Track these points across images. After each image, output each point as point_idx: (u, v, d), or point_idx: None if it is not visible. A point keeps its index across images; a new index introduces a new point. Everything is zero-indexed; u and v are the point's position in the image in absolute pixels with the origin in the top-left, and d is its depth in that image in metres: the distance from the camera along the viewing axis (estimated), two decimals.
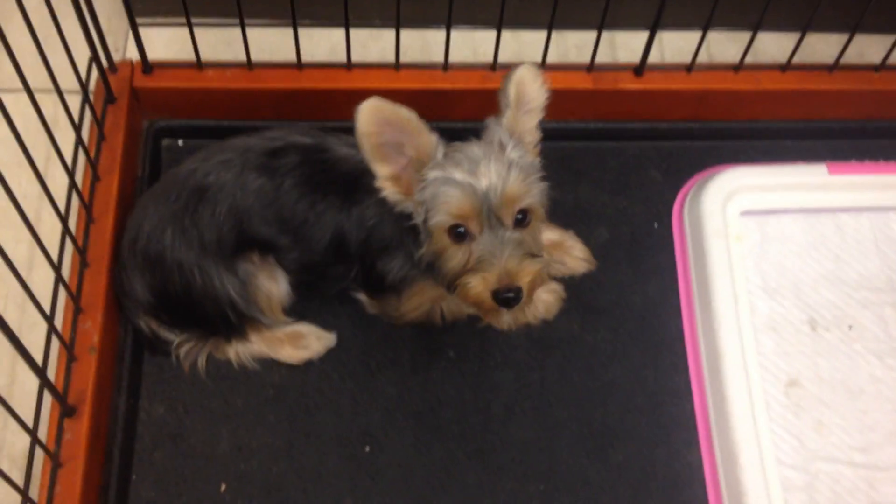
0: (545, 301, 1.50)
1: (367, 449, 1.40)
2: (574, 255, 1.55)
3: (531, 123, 1.21)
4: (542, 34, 1.54)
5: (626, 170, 1.68)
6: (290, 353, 1.43)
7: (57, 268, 1.30)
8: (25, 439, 1.20)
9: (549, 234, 1.54)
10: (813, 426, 1.44)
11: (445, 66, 1.60)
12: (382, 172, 1.17)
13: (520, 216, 1.16)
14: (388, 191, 1.19)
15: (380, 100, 1.11)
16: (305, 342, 1.44)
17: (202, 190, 1.33)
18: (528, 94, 1.18)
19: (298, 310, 1.47)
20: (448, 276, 1.20)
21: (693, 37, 1.60)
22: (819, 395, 1.47)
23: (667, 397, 1.47)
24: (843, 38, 1.60)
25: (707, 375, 1.46)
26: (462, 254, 1.17)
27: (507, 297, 1.13)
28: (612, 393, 1.46)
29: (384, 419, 1.42)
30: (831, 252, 1.59)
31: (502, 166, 1.13)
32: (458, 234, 1.16)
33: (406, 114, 1.13)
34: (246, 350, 1.42)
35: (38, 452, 1.22)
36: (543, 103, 1.19)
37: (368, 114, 1.11)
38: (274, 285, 1.39)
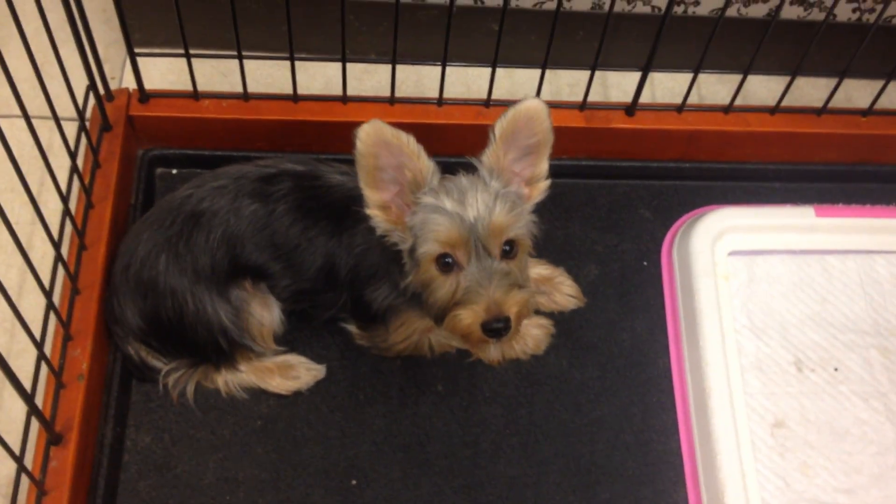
0: (534, 336, 1.51)
1: (354, 482, 1.39)
2: (564, 292, 1.56)
3: (540, 162, 1.22)
4: (536, 72, 1.56)
5: (616, 208, 1.70)
6: (280, 384, 1.43)
7: (48, 294, 1.29)
8: (11, 466, 1.19)
9: (540, 270, 1.55)
10: (798, 467, 1.44)
11: (440, 101, 1.61)
12: (373, 199, 1.19)
13: (507, 247, 1.17)
14: (377, 219, 1.20)
15: (380, 122, 1.13)
16: (295, 373, 1.44)
17: (197, 216, 1.33)
18: (534, 128, 1.18)
19: (289, 340, 1.47)
20: (435, 308, 1.21)
21: (684, 78, 1.63)
22: (805, 437, 1.47)
23: (654, 435, 1.47)
24: (832, 82, 1.63)
25: (694, 414, 1.46)
26: (449, 285, 1.18)
27: (496, 327, 1.14)
28: (599, 430, 1.46)
29: (372, 452, 1.42)
30: (818, 294, 1.61)
31: (489, 197, 1.15)
32: (446, 263, 1.17)
33: (405, 137, 1.15)
34: (235, 379, 1.42)
35: (24, 480, 1.21)
36: (551, 139, 1.20)
37: (369, 135, 1.13)
38: (267, 313, 1.39)
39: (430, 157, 1.18)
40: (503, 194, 1.17)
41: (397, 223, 1.20)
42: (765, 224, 1.62)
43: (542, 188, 1.24)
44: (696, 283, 1.52)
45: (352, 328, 1.48)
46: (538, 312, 1.54)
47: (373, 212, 1.20)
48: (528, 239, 1.21)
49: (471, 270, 1.16)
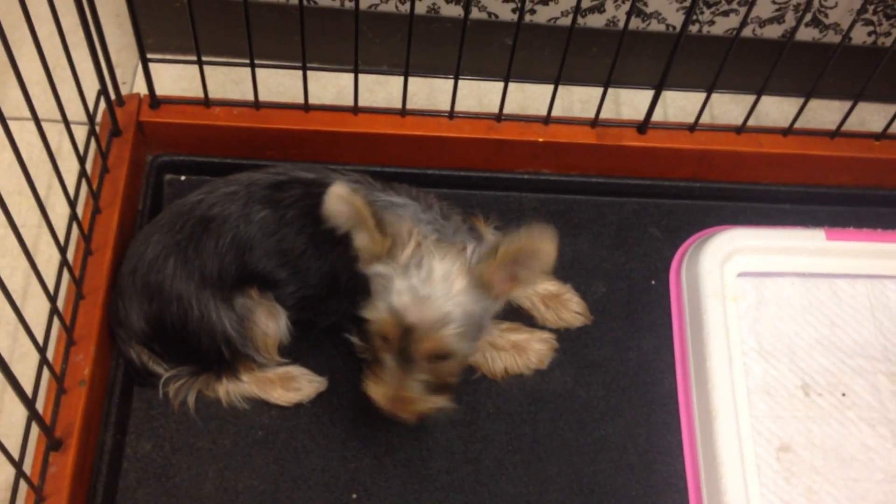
0: (537, 351, 1.50)
1: (355, 496, 1.38)
2: (570, 309, 1.55)
3: (532, 277, 1.15)
4: (549, 88, 1.56)
5: (625, 225, 1.69)
6: (281, 395, 1.42)
7: (52, 298, 1.29)
8: (10, 471, 1.18)
9: (547, 286, 1.54)
10: (804, 493, 1.43)
11: (451, 114, 1.61)
12: (357, 242, 1.18)
13: (439, 356, 1.17)
14: (363, 259, 1.19)
15: (343, 189, 1.10)
16: (297, 384, 1.43)
17: (207, 221, 1.33)
18: (535, 264, 1.11)
19: (292, 351, 1.46)
20: (370, 351, 1.24)
21: (697, 97, 1.62)
22: (811, 462, 1.46)
23: (658, 456, 1.46)
24: (846, 105, 1.62)
25: (699, 436, 1.45)
26: (379, 348, 1.20)
27: (393, 415, 1.21)
28: (603, 450, 1.45)
29: (373, 466, 1.40)
30: (826, 318, 1.59)
31: (442, 309, 1.11)
32: (382, 337, 1.18)
33: (364, 212, 1.11)
34: (237, 389, 1.41)
35: (23, 485, 1.21)
36: (549, 269, 1.12)
37: (332, 201, 1.11)
38: (272, 323, 1.39)
39: (389, 232, 1.14)
40: (466, 311, 1.13)
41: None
42: (775, 246, 1.60)
43: (523, 289, 1.23)
44: (704, 303, 1.51)
45: (355, 339, 1.47)
46: (543, 328, 1.53)
47: (359, 252, 1.19)
48: (468, 356, 1.22)
49: (392, 360, 1.18)
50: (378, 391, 1.21)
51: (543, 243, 1.08)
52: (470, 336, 1.16)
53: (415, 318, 1.12)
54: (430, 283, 1.12)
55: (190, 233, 1.33)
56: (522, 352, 1.49)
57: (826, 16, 1.70)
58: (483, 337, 1.22)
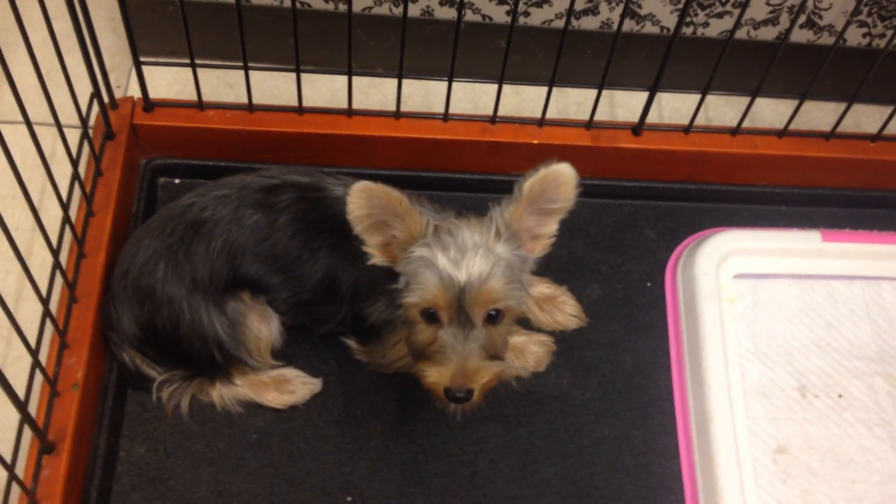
0: (535, 353, 1.49)
1: (350, 499, 1.37)
2: (566, 311, 1.54)
3: (551, 223, 1.20)
4: (543, 90, 1.56)
5: (621, 227, 1.68)
6: (275, 398, 1.42)
7: (45, 302, 1.29)
8: (2, 474, 1.17)
9: (542, 289, 1.54)
10: (800, 494, 1.42)
11: (445, 116, 1.61)
12: (371, 242, 1.19)
13: (492, 312, 1.16)
14: (376, 258, 1.20)
15: (369, 184, 1.12)
16: (291, 387, 1.43)
17: (198, 224, 1.33)
18: (559, 193, 1.15)
19: (287, 354, 1.45)
20: (413, 348, 1.22)
21: (692, 99, 1.62)
22: (807, 464, 1.45)
23: (654, 458, 1.45)
24: (841, 107, 1.62)
25: (695, 438, 1.44)
26: (429, 334, 1.18)
27: (458, 396, 1.15)
28: (599, 452, 1.45)
29: (368, 469, 1.40)
30: (823, 319, 1.59)
31: (486, 263, 1.13)
32: (430, 315, 1.16)
33: (396, 197, 1.13)
34: (230, 393, 1.41)
35: (15, 488, 1.20)
36: (571, 206, 1.17)
37: (359, 196, 1.12)
38: (264, 327, 1.38)
39: (422, 212, 1.16)
40: (506, 261, 1.15)
41: (394, 262, 1.20)
42: (770, 248, 1.60)
43: (545, 245, 1.22)
44: (700, 305, 1.51)
45: (351, 343, 1.47)
46: (540, 331, 1.53)
47: (370, 250, 1.19)
48: (519, 307, 1.20)
49: (449, 332, 1.15)
50: (440, 373, 1.15)
51: (563, 170, 1.12)
52: (515, 287, 1.16)
53: (464, 278, 1.12)
54: (467, 247, 1.13)
55: (181, 237, 1.32)
56: (520, 354, 1.49)
57: (820, 17, 1.70)
58: (525, 294, 1.21)
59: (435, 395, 1.18)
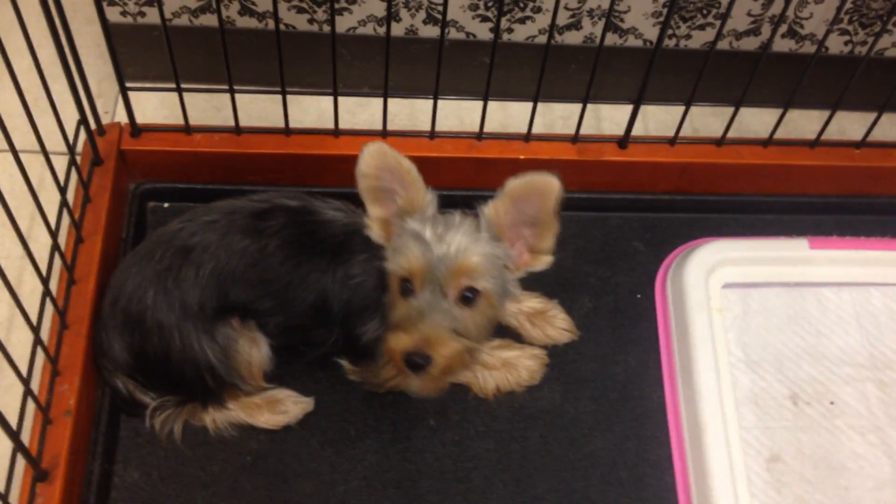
0: (528, 367, 1.50)
1: None
2: (557, 325, 1.55)
3: (545, 236, 1.20)
4: (528, 105, 1.56)
5: (609, 240, 1.69)
6: (268, 419, 1.42)
7: (36, 329, 1.28)
8: None
9: (533, 303, 1.54)
10: (794, 502, 1.43)
11: (432, 134, 1.61)
12: (373, 213, 1.21)
13: (468, 293, 1.16)
14: (374, 232, 1.23)
15: (385, 146, 1.15)
16: (283, 407, 1.42)
17: (187, 250, 1.33)
18: (542, 202, 1.15)
19: (279, 375, 1.45)
20: (391, 327, 1.21)
21: (676, 111, 1.63)
22: (801, 472, 1.46)
23: (648, 470, 1.45)
24: (825, 114, 1.63)
25: (689, 449, 1.45)
26: (405, 309, 1.18)
27: (416, 361, 1.13)
28: (593, 465, 1.45)
29: (363, 488, 1.40)
30: (813, 327, 1.60)
31: (468, 240, 1.15)
32: (406, 288, 1.17)
33: (407, 164, 1.16)
34: (223, 417, 1.41)
35: None
36: (553, 220, 1.17)
37: (371, 156, 1.16)
38: (255, 350, 1.38)
39: (428, 189, 1.19)
40: (489, 246, 1.17)
41: (388, 241, 1.22)
42: (759, 256, 1.61)
43: (543, 261, 1.23)
44: (690, 316, 1.51)
45: (344, 363, 1.47)
46: (531, 345, 1.53)
47: (371, 223, 1.22)
48: (497, 297, 1.20)
49: (419, 300, 1.16)
50: (400, 338, 1.14)
51: (548, 179, 1.13)
52: (494, 273, 1.17)
53: (443, 251, 1.14)
54: (453, 225, 1.16)
55: (169, 263, 1.32)
56: (513, 369, 1.49)
57: (802, 27, 1.72)
58: (508, 291, 1.23)
59: (395, 362, 1.17)
